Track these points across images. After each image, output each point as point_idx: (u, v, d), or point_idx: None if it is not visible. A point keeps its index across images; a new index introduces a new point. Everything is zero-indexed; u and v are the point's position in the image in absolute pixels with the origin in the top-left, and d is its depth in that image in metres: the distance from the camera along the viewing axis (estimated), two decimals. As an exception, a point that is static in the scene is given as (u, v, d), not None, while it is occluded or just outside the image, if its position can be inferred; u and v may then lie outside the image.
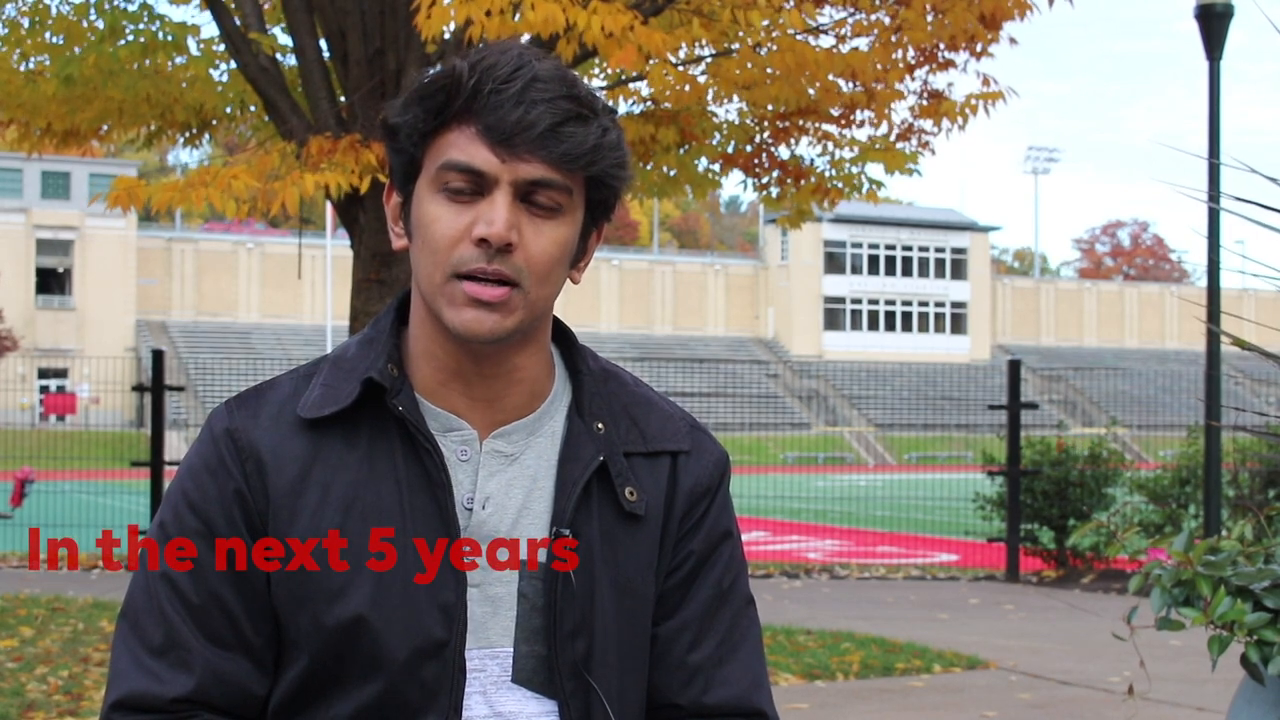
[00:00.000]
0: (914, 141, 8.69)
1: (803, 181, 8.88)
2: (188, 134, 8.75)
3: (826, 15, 8.22)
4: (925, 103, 8.42)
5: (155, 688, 1.41)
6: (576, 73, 1.48)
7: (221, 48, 7.77)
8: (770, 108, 8.26)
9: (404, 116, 1.43)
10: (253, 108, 8.37)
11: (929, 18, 7.40)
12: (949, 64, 8.19)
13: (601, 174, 1.43)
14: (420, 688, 1.40)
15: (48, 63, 8.08)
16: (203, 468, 1.46)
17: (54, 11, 8.00)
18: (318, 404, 1.46)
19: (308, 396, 1.47)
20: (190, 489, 1.46)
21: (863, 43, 7.91)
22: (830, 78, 7.52)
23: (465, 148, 1.39)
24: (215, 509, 1.44)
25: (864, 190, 9.05)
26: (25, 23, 8.02)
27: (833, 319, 66.42)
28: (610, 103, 1.43)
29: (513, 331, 1.41)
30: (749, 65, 7.55)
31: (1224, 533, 2.40)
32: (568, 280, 1.52)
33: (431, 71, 1.45)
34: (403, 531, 1.43)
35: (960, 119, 8.18)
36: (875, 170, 8.96)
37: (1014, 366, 11.63)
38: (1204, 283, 12.20)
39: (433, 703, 1.41)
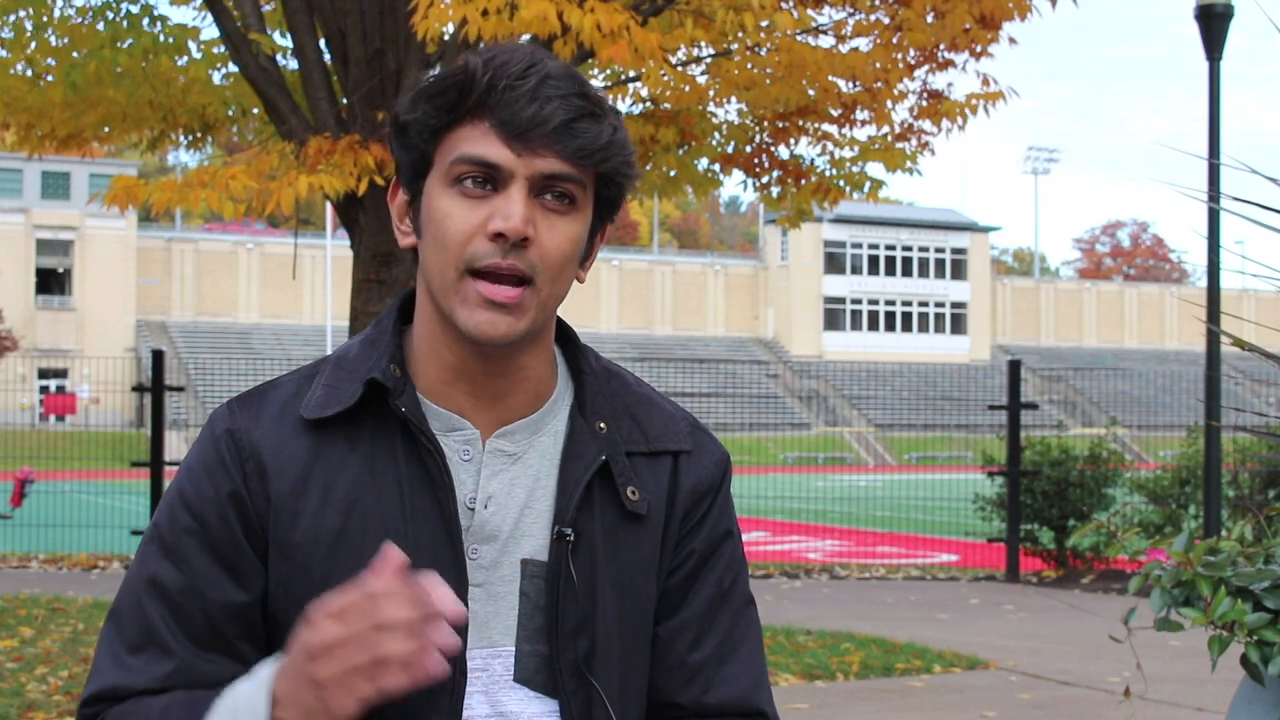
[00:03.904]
0: (914, 141, 8.69)
1: (803, 181, 8.88)
2: (191, 137, 8.76)
3: (826, 15, 8.22)
4: (925, 103, 8.41)
5: (126, 680, 1.41)
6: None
7: (222, 49, 7.77)
8: (770, 108, 8.26)
9: (414, 113, 1.43)
10: (255, 110, 8.37)
11: (929, 18, 7.40)
12: (949, 64, 8.18)
13: (613, 171, 1.44)
14: (422, 689, 1.40)
15: (52, 64, 8.08)
16: (202, 468, 1.46)
17: (57, 14, 8.00)
18: (320, 404, 1.46)
19: (310, 397, 1.47)
20: (188, 488, 1.46)
21: (863, 43, 7.91)
22: (830, 78, 7.52)
23: (479, 142, 1.39)
24: (211, 509, 1.44)
25: (864, 190, 9.05)
26: (29, 26, 8.02)
27: (833, 319, 66.45)
28: (614, 104, 1.43)
29: (526, 334, 1.41)
30: (749, 66, 7.55)
31: (1224, 533, 2.40)
32: (579, 283, 1.52)
33: (434, 71, 1.45)
34: (404, 532, 1.43)
35: (960, 119, 8.18)
36: (875, 170, 8.97)
37: (1014, 367, 11.63)
38: (1204, 283, 12.22)
39: (434, 704, 1.41)
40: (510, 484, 1.47)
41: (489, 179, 1.39)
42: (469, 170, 1.39)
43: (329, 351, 1.55)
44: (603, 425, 1.51)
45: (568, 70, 1.42)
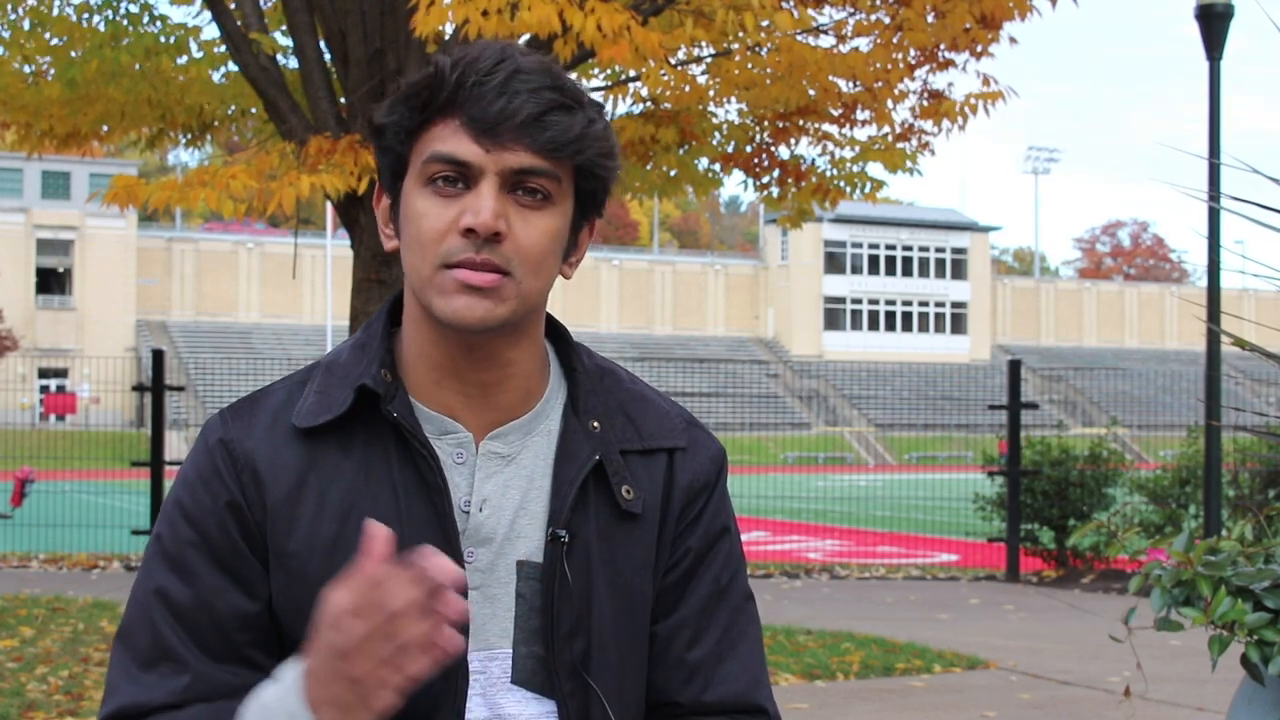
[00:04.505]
0: (914, 142, 8.69)
1: (803, 182, 8.88)
2: (189, 136, 8.76)
3: (827, 15, 8.22)
4: (925, 103, 8.41)
5: (144, 697, 1.40)
6: (567, 71, 1.47)
7: (222, 49, 7.77)
8: (770, 108, 8.26)
9: (390, 116, 1.43)
10: (254, 110, 8.36)
11: (929, 18, 7.40)
12: (949, 64, 8.19)
13: (588, 163, 1.42)
14: (425, 693, 1.39)
15: (50, 61, 8.08)
16: (197, 479, 1.45)
17: (55, 13, 8.00)
18: (312, 413, 1.45)
19: (302, 405, 1.46)
20: (186, 500, 1.45)
21: (863, 43, 7.91)
22: (830, 78, 7.52)
23: (449, 140, 1.39)
24: (211, 520, 1.43)
25: (864, 190, 9.05)
26: (26, 24, 8.02)
27: (833, 319, 66.43)
28: (599, 99, 1.42)
29: (505, 320, 1.40)
30: (749, 66, 7.55)
31: (1224, 533, 2.40)
32: (565, 279, 1.51)
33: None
34: (400, 537, 1.43)
35: (960, 119, 8.18)
36: (875, 170, 8.97)
37: (1014, 367, 11.63)
38: (1204, 283, 12.22)
39: (437, 708, 1.41)
40: (504, 486, 1.47)
41: (461, 176, 1.39)
42: (441, 169, 1.39)
43: (324, 355, 1.55)
44: (596, 424, 1.50)
45: (541, 64, 1.41)
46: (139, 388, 11.93)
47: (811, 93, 7.74)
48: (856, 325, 66.94)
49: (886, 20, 7.74)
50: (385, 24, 7.12)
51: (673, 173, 8.89)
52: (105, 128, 8.53)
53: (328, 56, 7.36)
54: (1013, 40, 7.99)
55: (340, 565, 1.40)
